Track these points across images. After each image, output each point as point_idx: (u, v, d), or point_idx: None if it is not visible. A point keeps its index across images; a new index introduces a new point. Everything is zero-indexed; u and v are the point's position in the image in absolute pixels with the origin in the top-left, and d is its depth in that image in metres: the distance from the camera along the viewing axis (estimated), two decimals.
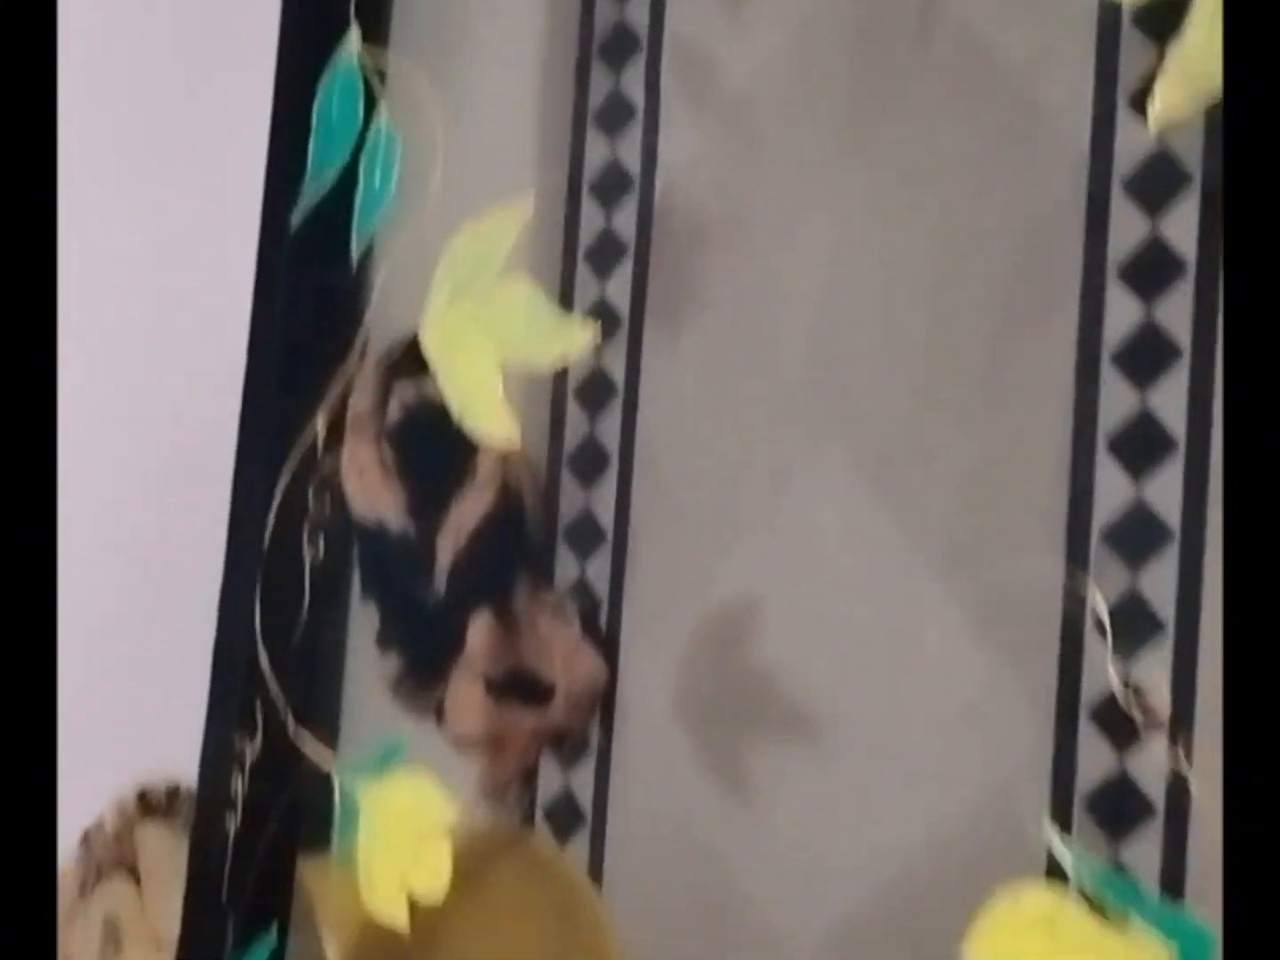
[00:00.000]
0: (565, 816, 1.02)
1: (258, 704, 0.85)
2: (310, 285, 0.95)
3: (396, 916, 0.81)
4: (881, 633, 0.88)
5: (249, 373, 0.98)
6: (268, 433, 0.94)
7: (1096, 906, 0.62)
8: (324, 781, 0.84)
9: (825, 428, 0.91)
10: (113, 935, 1.03)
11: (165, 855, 0.99)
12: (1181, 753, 0.69)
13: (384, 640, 1.06)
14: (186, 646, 0.93)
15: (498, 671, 1.03)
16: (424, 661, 1.04)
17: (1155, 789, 0.76)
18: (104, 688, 1.12)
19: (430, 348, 0.91)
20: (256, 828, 0.85)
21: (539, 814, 1.04)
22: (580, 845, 1.01)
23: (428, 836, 0.81)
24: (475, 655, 1.02)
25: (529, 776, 1.04)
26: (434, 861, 0.81)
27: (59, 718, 0.91)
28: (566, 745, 1.02)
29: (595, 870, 1.00)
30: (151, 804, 1.02)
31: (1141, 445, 0.79)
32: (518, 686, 1.03)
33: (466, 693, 1.03)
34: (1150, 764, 0.75)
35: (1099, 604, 0.76)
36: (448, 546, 1.04)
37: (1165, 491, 0.79)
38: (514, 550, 1.04)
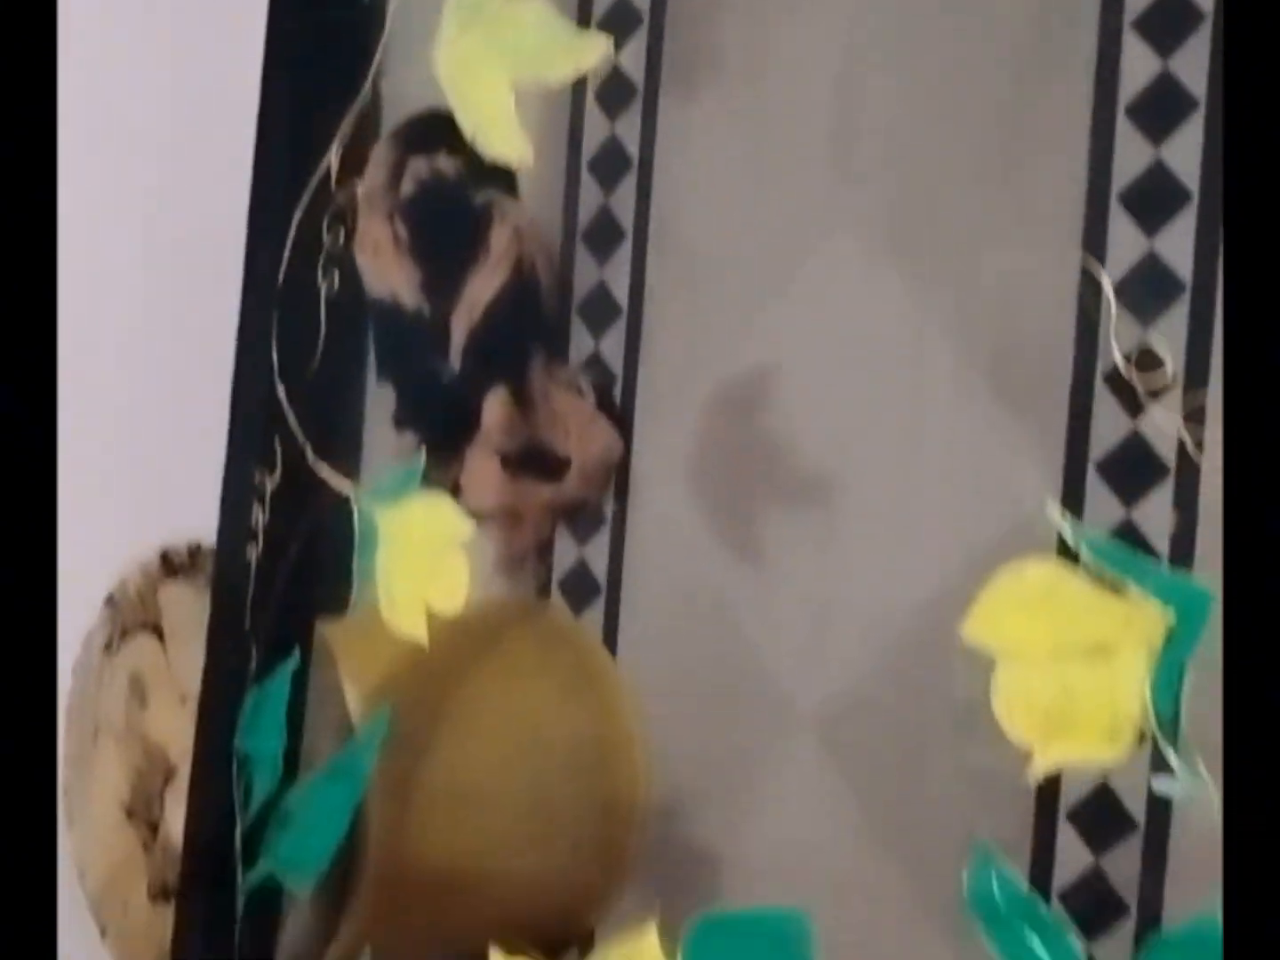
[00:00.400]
0: (580, 587, 1.04)
1: (276, 438, 0.86)
2: (323, 16, 0.94)
3: (416, 633, 0.82)
4: (894, 394, 0.88)
5: (263, 106, 0.96)
6: (283, 166, 0.94)
7: (1099, 579, 0.64)
8: (343, 509, 0.85)
9: (841, 195, 0.91)
10: (139, 691, 1.05)
11: (188, 613, 1.01)
12: (1191, 431, 0.69)
13: (400, 420, 1.07)
14: (204, 400, 0.93)
15: (513, 447, 1.04)
16: (440, 440, 1.05)
17: (1160, 539, 0.77)
18: (125, 449, 1.13)
19: (442, 74, 0.90)
20: (277, 556, 0.86)
21: (554, 586, 1.06)
22: (595, 615, 1.03)
23: (445, 553, 0.82)
24: (490, 431, 1.03)
25: (544, 550, 1.06)
26: (451, 577, 0.82)
27: (81, 481, 0.93)
28: (581, 518, 1.04)
29: (610, 638, 1.02)
30: (174, 564, 1.04)
31: (1154, 199, 0.79)
32: (533, 461, 1.04)
33: (482, 468, 1.04)
34: (1158, 511, 0.77)
35: (1115, 349, 0.76)
36: (462, 323, 1.05)
37: (1177, 245, 0.79)
38: (528, 326, 1.04)
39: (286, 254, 0.92)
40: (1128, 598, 0.61)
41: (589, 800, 0.97)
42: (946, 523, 0.87)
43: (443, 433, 1.04)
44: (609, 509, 1.03)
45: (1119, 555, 0.63)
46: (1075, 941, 0.60)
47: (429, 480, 0.91)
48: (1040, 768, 0.63)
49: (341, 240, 0.94)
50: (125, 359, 1.16)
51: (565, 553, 1.05)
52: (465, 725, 0.95)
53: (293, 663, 0.84)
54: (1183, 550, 0.72)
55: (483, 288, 1.04)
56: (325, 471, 0.85)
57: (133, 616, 1.05)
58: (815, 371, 0.92)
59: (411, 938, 0.88)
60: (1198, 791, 0.57)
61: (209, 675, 0.88)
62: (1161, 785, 0.78)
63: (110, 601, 1.07)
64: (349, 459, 0.90)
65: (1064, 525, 0.64)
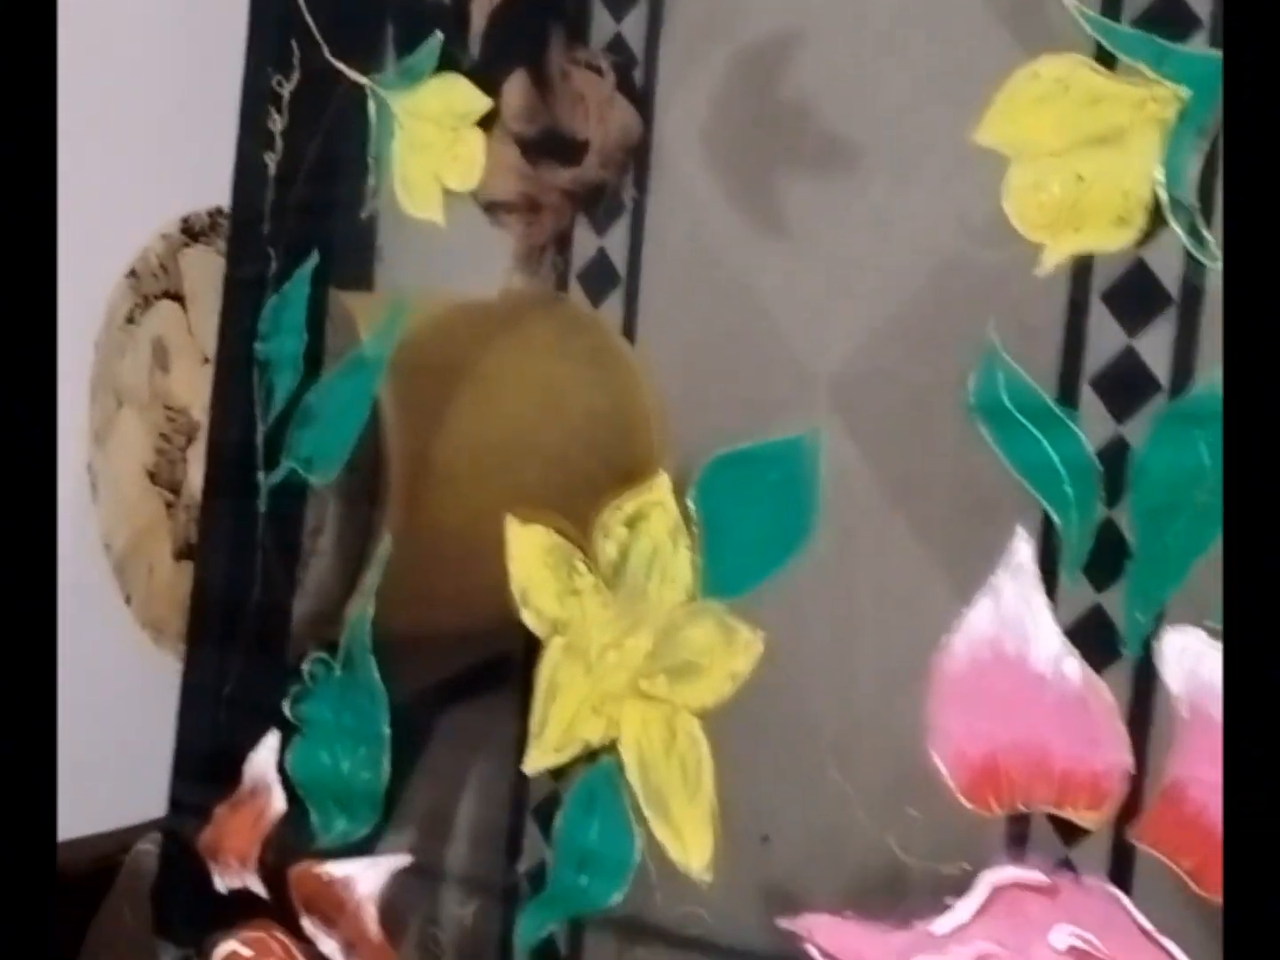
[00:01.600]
0: (599, 278, 1.04)
1: (293, 41, 0.84)
2: None
3: (432, 215, 0.82)
4: (915, 52, 0.87)
5: None
6: None
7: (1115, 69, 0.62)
8: (360, 105, 0.84)
9: None
10: (161, 356, 1.06)
11: (209, 276, 1.01)
12: None
13: None
14: (218, 61, 0.90)
15: (532, 131, 1.03)
16: None
17: None
18: (146, 118, 1.11)
19: None
20: (296, 159, 0.86)
21: (573, 279, 1.06)
22: (614, 305, 1.03)
23: (461, 130, 0.82)
24: (509, 116, 1.02)
25: (563, 241, 1.05)
26: (468, 153, 0.81)
27: (98, 158, 0.91)
28: (600, 207, 1.03)
29: (629, 327, 1.02)
30: (195, 229, 1.04)
31: None
32: (552, 145, 1.03)
33: (500, 154, 1.03)
34: None
35: None
36: (481, 7, 1.03)
37: None
38: (548, 8, 1.03)
39: None
40: (1143, 82, 0.60)
41: (608, 472, 0.97)
42: (967, 183, 0.86)
43: None
44: (628, 196, 1.02)
45: (1135, 38, 0.62)
46: (1082, 435, 0.60)
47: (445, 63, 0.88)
48: (1051, 261, 0.62)
49: None
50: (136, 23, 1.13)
51: (584, 244, 1.05)
52: (484, 393, 0.95)
53: (312, 263, 0.84)
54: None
55: None
56: (343, 67, 0.84)
57: (154, 285, 1.05)
58: (836, 28, 0.91)
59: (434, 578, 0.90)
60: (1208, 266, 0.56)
61: (229, 285, 0.88)
62: None
63: (132, 274, 1.06)
64: (368, 56, 0.88)
65: (1079, 13, 0.62)
